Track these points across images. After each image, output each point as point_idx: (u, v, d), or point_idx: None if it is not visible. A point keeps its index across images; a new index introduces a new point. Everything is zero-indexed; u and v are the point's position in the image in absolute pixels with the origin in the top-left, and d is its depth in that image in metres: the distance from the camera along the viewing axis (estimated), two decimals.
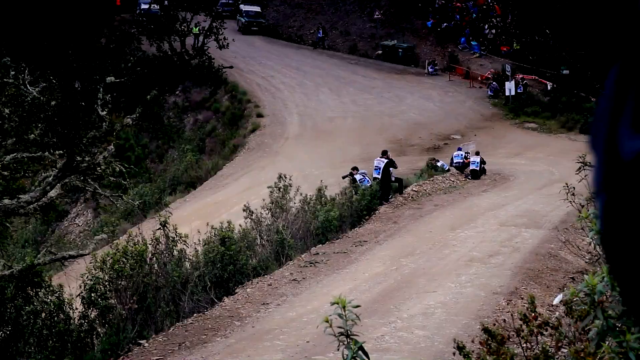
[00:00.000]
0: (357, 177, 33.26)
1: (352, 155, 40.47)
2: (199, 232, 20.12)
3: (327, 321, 5.00)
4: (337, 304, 5.09)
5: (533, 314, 7.10)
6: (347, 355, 5.08)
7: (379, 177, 32.09)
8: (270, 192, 24.52)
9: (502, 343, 6.60)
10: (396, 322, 14.56)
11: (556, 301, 15.09)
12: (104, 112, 15.01)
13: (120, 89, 15.09)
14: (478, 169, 37.83)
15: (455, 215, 27.86)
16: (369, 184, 31.89)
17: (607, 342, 4.60)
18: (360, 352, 5.13)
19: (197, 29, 58.05)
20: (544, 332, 7.21)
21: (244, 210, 23.39)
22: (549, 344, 7.06)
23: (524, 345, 7.11)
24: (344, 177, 32.60)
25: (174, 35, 57.39)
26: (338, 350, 4.85)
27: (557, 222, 26.13)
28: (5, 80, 14.86)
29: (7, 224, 14.59)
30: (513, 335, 8.14)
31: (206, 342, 14.36)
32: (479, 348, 7.19)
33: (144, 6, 64.21)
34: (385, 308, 15.42)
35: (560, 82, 54.84)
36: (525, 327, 7.05)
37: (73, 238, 35.97)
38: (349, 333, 5.17)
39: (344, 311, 5.11)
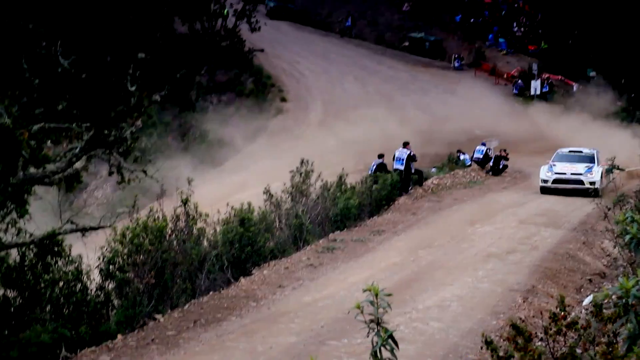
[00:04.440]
0: (373, 163, 33.22)
1: (373, 144, 40.40)
2: (218, 211, 20.15)
3: (358, 307, 5.00)
4: (370, 291, 5.09)
5: (562, 313, 7.08)
6: (376, 342, 5.08)
7: (401, 167, 32.08)
8: (292, 176, 24.54)
9: (530, 340, 6.59)
10: (412, 312, 14.56)
11: (586, 302, 15.06)
12: (133, 88, 15.03)
13: (149, 66, 15.11)
14: (482, 155, 37.89)
15: (474, 210, 27.81)
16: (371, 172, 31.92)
17: (637, 346, 4.58)
18: (389, 340, 5.13)
19: (225, 11, 57.97)
20: (570, 332, 7.19)
21: (264, 192, 23.42)
22: (574, 344, 7.04)
23: (551, 343, 7.09)
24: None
25: (207, 16, 57.26)
26: (367, 336, 4.85)
27: (576, 223, 26.06)
28: (37, 50, 14.91)
29: (31, 193, 14.63)
30: (537, 333, 8.14)
31: (221, 320, 14.41)
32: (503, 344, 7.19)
33: None
34: (401, 298, 15.41)
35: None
36: (554, 325, 7.04)
37: (92, 210, 36.09)
38: (380, 321, 5.17)
39: (376, 299, 5.11)
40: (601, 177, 32.49)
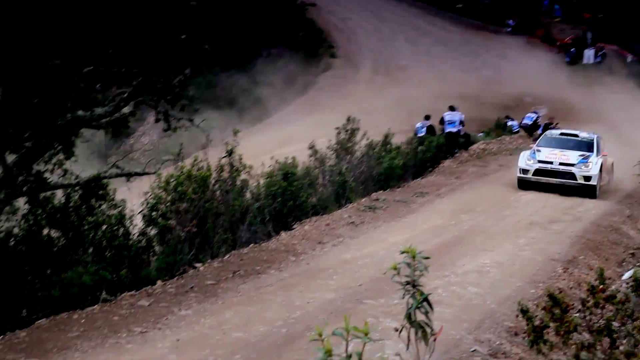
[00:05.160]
0: (418, 125, 33.12)
1: (421, 105, 40.14)
2: (262, 164, 20.22)
3: (395, 268, 4.98)
4: (407, 253, 5.06)
5: (601, 286, 7.01)
6: (411, 304, 5.07)
7: (455, 130, 31.98)
8: (337, 133, 24.50)
9: (566, 311, 6.54)
10: (450, 276, 14.52)
11: (626, 276, 14.92)
12: (184, 36, 15.02)
13: (200, 15, 15.06)
14: (531, 122, 37.39)
15: None
16: (422, 134, 31.80)
17: None
18: (424, 303, 5.11)
19: None
20: (608, 306, 7.13)
21: (308, 148, 23.43)
22: (611, 317, 6.97)
23: (588, 316, 7.03)
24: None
25: None
26: (403, 298, 4.82)
27: (623, 195, 25.78)
28: None
29: (78, 135, 14.73)
30: (575, 304, 8.07)
31: (260, 273, 14.48)
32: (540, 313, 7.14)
33: None
34: (440, 261, 15.37)
35: None
36: (592, 297, 6.97)
37: (137, 156, 36.36)
38: (416, 283, 5.15)
39: (413, 261, 5.09)
40: (600, 171, 25.39)
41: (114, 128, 15.48)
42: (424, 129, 32.60)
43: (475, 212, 21.52)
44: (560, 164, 25.48)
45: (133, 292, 12.82)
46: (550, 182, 25.25)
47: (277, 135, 36.89)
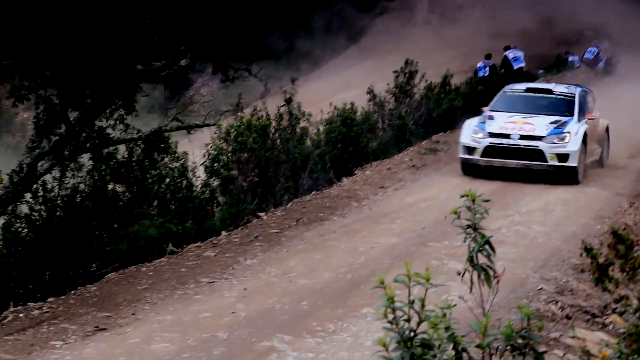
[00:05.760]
0: (479, 64, 32.79)
1: (478, 44, 39.69)
2: (321, 111, 20.24)
3: (455, 212, 4.95)
4: (467, 196, 5.03)
5: None
6: (472, 248, 5.05)
7: (523, 65, 31.55)
8: (395, 76, 24.36)
9: (631, 248, 6.48)
10: (514, 216, 14.45)
11: None
12: None
13: None
14: (592, 56, 36.63)
15: None
16: (484, 74, 31.45)
17: None
18: (486, 246, 5.09)
19: None
20: None
21: (367, 93, 23.36)
22: None
23: None
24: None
25: None
26: (464, 242, 4.81)
27: None
28: None
29: (138, 90, 14.85)
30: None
31: (323, 220, 14.55)
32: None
33: None
34: (503, 201, 15.31)
35: None
36: None
37: (197, 108, 36.63)
38: (477, 226, 5.12)
39: (473, 204, 5.05)
40: (584, 143, 17.74)
41: (173, 81, 15.57)
42: (487, 68, 32.19)
43: None
44: (522, 137, 17.70)
45: (198, 244, 12.99)
46: (507, 165, 17.66)
47: (334, 81, 36.84)
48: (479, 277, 5.03)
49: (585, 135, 17.77)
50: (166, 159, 15.03)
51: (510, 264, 10.27)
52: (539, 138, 17.61)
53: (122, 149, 14.70)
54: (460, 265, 5.30)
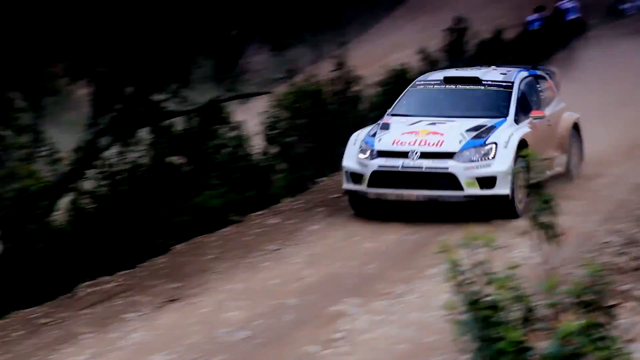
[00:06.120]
0: (530, 18, 32.30)
1: None
2: (374, 74, 20.12)
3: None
4: (525, 156, 5.05)
5: None
6: (536, 207, 5.06)
7: (580, 15, 31.04)
8: (447, 34, 24.17)
9: None
10: None
11: None
12: None
13: None
14: None
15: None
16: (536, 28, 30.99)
17: None
18: (549, 203, 5.10)
19: None
20: None
21: (418, 53, 23.22)
22: None
23: None
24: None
25: None
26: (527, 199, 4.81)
27: None
28: None
29: (192, 61, 14.95)
30: None
31: None
32: None
33: None
34: None
35: None
36: None
37: (250, 77, 36.62)
38: (540, 185, 5.14)
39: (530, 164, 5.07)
40: (515, 161, 11.41)
41: (225, 52, 15.64)
42: (537, 22, 31.62)
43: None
44: (424, 154, 11.63)
45: (261, 212, 13.06)
46: (405, 199, 11.80)
47: (385, 43, 36.54)
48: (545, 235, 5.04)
49: (523, 143, 11.62)
50: (224, 129, 15.12)
51: (576, 218, 10.15)
52: (449, 155, 11.58)
53: (179, 121, 14.83)
54: (525, 223, 5.32)
